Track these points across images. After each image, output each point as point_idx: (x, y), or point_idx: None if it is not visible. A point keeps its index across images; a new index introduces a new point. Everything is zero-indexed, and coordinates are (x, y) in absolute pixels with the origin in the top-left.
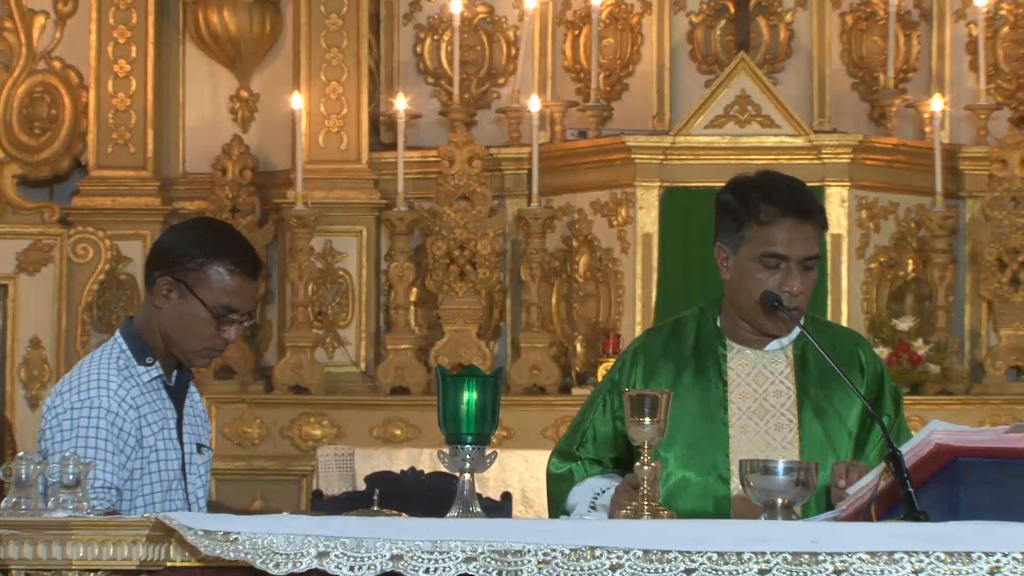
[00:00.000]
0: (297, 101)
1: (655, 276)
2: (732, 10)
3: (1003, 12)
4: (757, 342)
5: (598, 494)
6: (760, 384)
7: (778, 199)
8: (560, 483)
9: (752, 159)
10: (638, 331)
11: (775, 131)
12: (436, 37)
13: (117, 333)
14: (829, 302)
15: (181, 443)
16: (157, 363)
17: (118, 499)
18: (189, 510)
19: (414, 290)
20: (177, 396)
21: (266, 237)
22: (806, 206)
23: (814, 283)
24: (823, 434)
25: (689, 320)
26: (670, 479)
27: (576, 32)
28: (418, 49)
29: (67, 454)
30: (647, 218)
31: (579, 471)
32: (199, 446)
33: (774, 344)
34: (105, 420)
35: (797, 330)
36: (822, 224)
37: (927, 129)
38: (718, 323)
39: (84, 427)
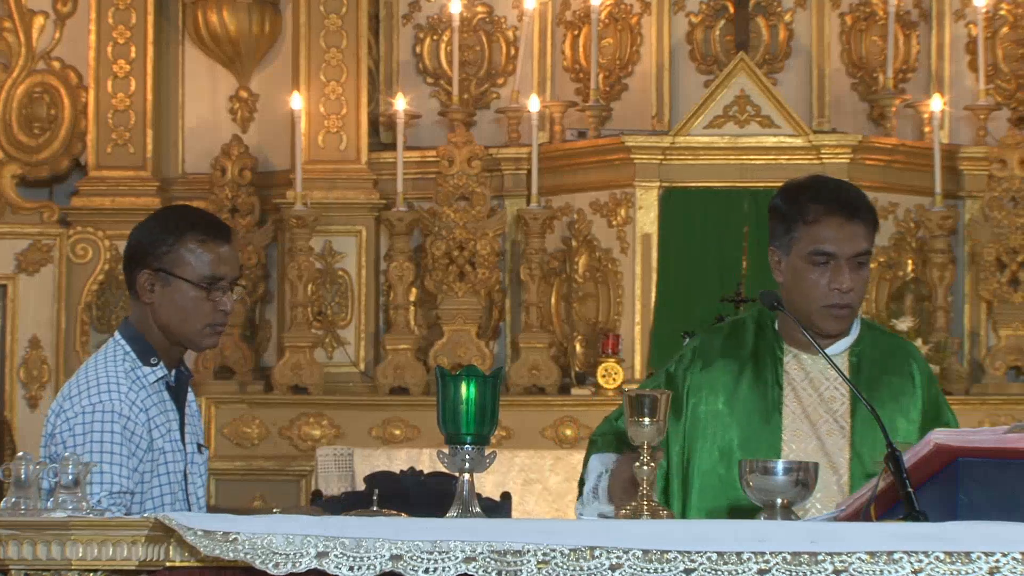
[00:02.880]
0: (296, 101)
1: (654, 276)
2: (731, 10)
3: (1002, 12)
4: (814, 348)
5: (602, 474)
6: (815, 389)
7: (824, 198)
8: (589, 447)
9: (751, 159)
10: (637, 331)
11: (774, 131)
12: (435, 37)
13: (117, 335)
14: None
15: (183, 444)
16: (161, 363)
17: (131, 503)
18: (190, 511)
19: (413, 290)
20: (178, 396)
21: (265, 237)
22: (853, 203)
23: (867, 280)
24: (874, 441)
25: (748, 322)
26: (714, 472)
27: (575, 32)
28: (417, 49)
29: (67, 455)
30: (646, 218)
31: (605, 438)
32: (199, 446)
33: (832, 349)
34: (118, 424)
35: (853, 336)
36: (871, 222)
37: (926, 129)
38: (776, 326)
39: (98, 431)
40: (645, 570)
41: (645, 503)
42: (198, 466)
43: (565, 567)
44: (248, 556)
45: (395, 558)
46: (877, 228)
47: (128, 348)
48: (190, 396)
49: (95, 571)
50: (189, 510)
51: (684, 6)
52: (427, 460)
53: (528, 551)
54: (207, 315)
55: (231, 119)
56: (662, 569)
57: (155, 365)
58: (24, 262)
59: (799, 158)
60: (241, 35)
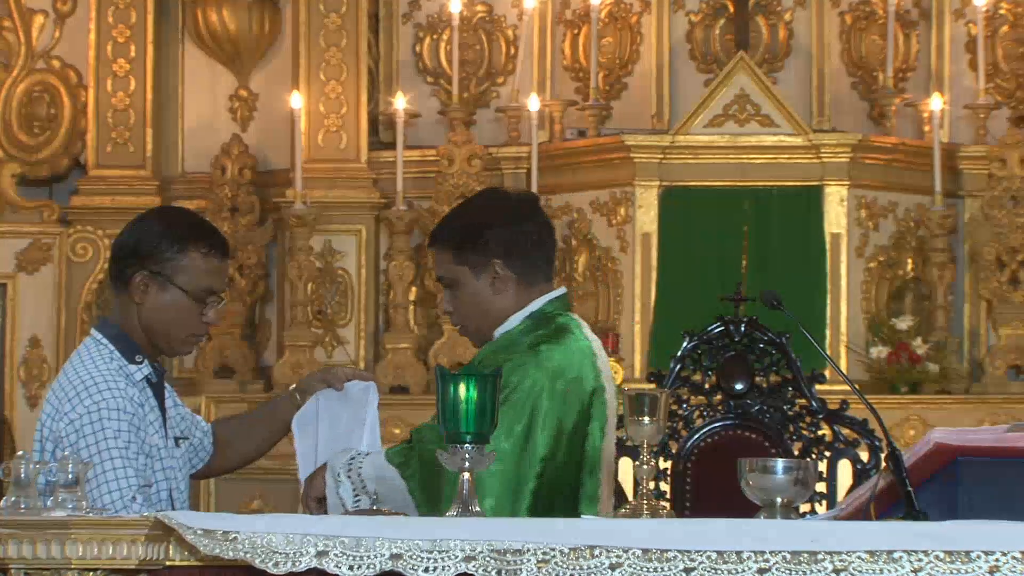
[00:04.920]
0: (296, 100)
1: (654, 275)
2: (731, 9)
3: (1002, 11)
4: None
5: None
6: None
7: None
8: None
9: (751, 158)
10: (637, 330)
11: (774, 130)
12: (435, 36)
13: (96, 334)
14: (828, 301)
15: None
16: (146, 361)
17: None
18: (173, 506)
19: (413, 289)
20: (159, 392)
21: (265, 236)
22: (432, 233)
23: (464, 301)
24: None
25: None
26: None
27: (575, 31)
28: (417, 48)
29: (65, 454)
30: (646, 217)
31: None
32: (177, 439)
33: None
34: (126, 422)
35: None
36: (449, 248)
37: (926, 128)
38: None
39: (108, 429)
40: (645, 569)
41: (645, 502)
42: (177, 460)
43: (565, 566)
44: (248, 555)
45: (395, 557)
46: (464, 249)
47: (112, 347)
48: (169, 390)
49: (95, 570)
50: (172, 505)
51: (684, 5)
52: None
53: (528, 550)
54: (194, 325)
55: (231, 118)
56: (662, 568)
57: (140, 363)
58: (24, 261)
59: (799, 157)
60: (241, 34)
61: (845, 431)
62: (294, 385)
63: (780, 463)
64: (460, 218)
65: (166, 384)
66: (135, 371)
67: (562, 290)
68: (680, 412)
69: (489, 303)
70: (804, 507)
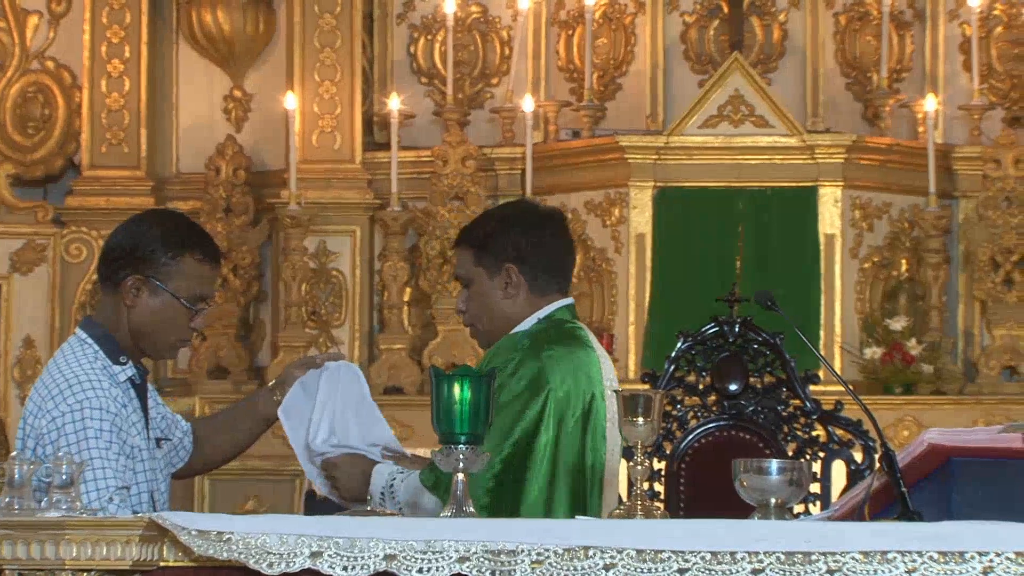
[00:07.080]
0: (291, 101)
1: (648, 276)
2: (726, 10)
3: (996, 12)
4: None
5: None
6: None
7: None
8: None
9: (746, 159)
10: (632, 331)
11: (769, 131)
12: (430, 37)
13: (81, 333)
14: (823, 302)
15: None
16: (131, 362)
17: (128, 497)
18: (154, 507)
19: (407, 290)
20: (142, 393)
21: (260, 237)
22: (459, 234)
23: (476, 301)
24: None
25: None
26: None
27: (569, 32)
28: (412, 49)
29: (60, 454)
30: (641, 218)
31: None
32: (158, 440)
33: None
34: (108, 422)
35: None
36: (470, 248)
37: (920, 129)
38: None
39: (93, 429)
40: (639, 570)
41: (639, 503)
42: (159, 461)
43: (559, 567)
44: (242, 556)
45: (389, 558)
46: (478, 247)
47: (97, 347)
48: (151, 390)
49: (89, 571)
50: (154, 507)
51: (678, 6)
52: None
53: (522, 551)
54: (182, 330)
55: (225, 119)
56: (656, 569)
57: (124, 364)
58: (18, 261)
59: (793, 158)
60: (235, 34)
61: (839, 432)
62: (272, 382)
63: (774, 464)
64: (485, 222)
65: (148, 385)
66: (119, 372)
67: (570, 300)
68: (674, 413)
69: (499, 306)
70: (798, 508)
